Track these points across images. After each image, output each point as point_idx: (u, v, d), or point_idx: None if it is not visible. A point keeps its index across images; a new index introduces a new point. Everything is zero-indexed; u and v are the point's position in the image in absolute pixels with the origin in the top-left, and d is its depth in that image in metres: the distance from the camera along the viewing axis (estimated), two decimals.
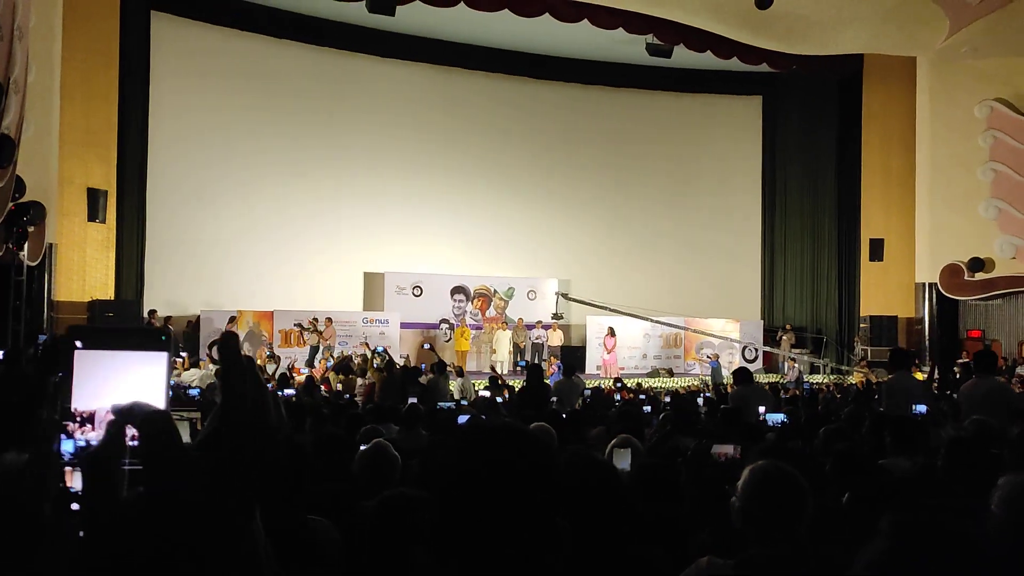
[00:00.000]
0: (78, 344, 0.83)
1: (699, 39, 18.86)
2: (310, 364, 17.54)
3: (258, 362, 15.69)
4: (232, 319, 17.70)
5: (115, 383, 0.79)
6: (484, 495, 1.25)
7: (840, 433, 4.55)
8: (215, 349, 0.85)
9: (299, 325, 18.33)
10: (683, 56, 20.20)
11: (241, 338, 17.34)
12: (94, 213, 16.42)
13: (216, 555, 0.70)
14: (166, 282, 18.00)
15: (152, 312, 16.80)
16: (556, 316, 20.57)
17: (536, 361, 18.49)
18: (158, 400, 0.78)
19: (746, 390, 8.84)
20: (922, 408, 6.28)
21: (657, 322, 20.44)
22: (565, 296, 20.66)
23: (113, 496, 0.73)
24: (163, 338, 0.84)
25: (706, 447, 4.05)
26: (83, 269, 16.36)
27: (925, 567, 1.26)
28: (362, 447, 4.05)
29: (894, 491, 3.51)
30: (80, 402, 0.82)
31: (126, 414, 0.75)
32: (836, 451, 3.70)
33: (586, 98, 23.13)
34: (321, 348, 17.93)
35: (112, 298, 16.69)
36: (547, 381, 11.74)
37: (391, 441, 5.62)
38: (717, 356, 19.90)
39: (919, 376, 17.14)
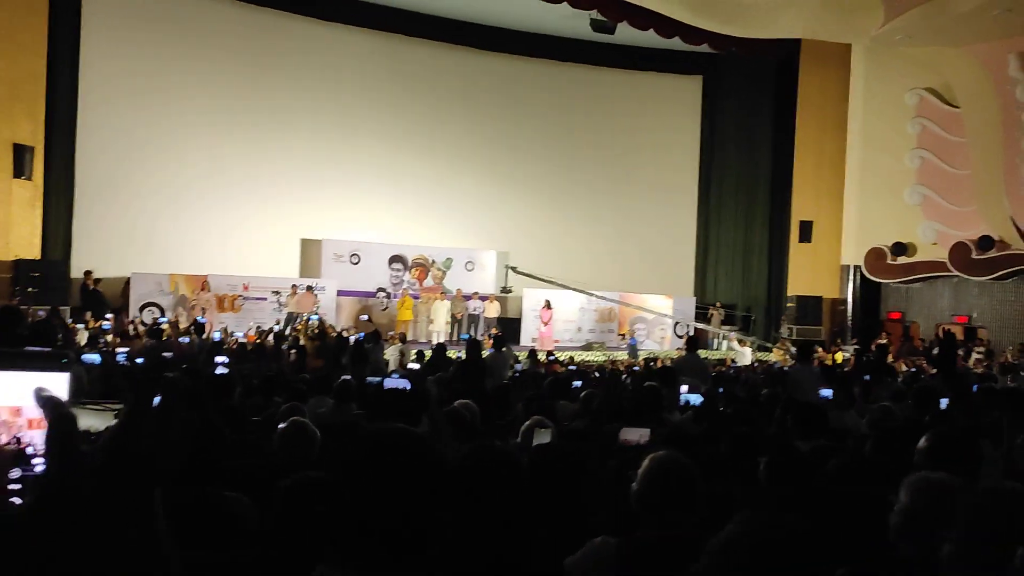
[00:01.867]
0: None
1: (642, 17, 19.00)
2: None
3: (182, 325, 15.54)
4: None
5: (15, 402, 0.88)
6: (370, 494, 1.39)
7: (738, 416, 4.77)
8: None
9: (276, 293, 18.18)
10: (627, 33, 20.35)
11: (172, 301, 17.16)
12: (20, 169, 15.93)
13: (112, 547, 0.82)
14: (95, 242, 17.53)
15: (88, 273, 16.45)
16: (505, 290, 20.64)
17: (473, 332, 18.75)
18: None
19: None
20: (828, 392, 6.58)
21: (602, 298, 20.71)
22: (514, 269, 20.69)
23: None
24: (63, 360, 0.94)
25: (612, 432, 4.21)
26: (7, 227, 15.90)
27: (760, 557, 1.43)
28: (280, 425, 4.11)
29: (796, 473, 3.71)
30: None
31: (44, 403, 0.85)
32: (732, 434, 3.90)
33: (529, 71, 23.12)
34: (303, 316, 17.76)
35: (38, 258, 16.28)
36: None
37: (320, 416, 5.72)
38: (634, 333, 20.31)
39: (839, 356, 17.80)
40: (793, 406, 5.03)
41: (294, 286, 18.42)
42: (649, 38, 20.58)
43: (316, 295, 18.59)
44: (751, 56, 21.50)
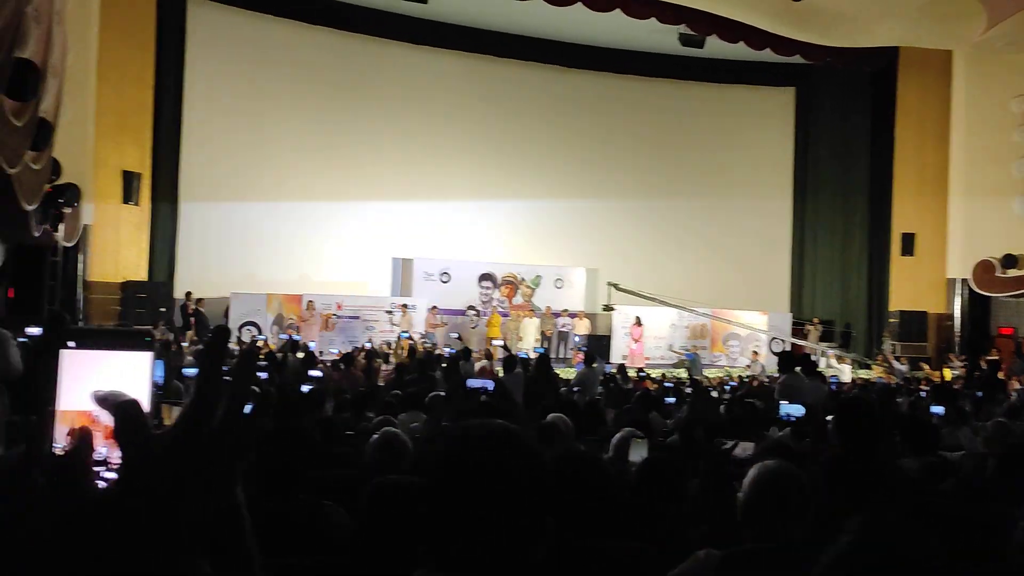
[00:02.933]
0: (71, 344, 0.88)
1: (732, 30, 18.74)
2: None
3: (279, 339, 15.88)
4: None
5: (101, 382, 0.85)
6: (471, 494, 1.33)
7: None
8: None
9: (389, 312, 18.67)
10: (716, 46, 20.10)
11: (270, 321, 17.60)
12: (128, 195, 16.69)
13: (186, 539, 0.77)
14: (198, 264, 18.23)
15: (188, 294, 17.06)
16: (607, 308, 20.52)
17: (563, 350, 18.70)
18: (142, 396, 0.84)
19: (793, 380, 8.72)
20: (939, 409, 6.26)
21: (705, 315, 20.42)
22: (616, 286, 20.46)
23: (79, 495, 0.79)
24: (147, 339, 0.91)
25: (711, 447, 4.08)
26: (116, 250, 16.66)
27: (881, 566, 1.32)
28: (374, 436, 4.13)
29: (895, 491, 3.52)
30: (66, 402, 0.88)
31: (103, 401, 0.82)
32: (826, 452, 3.73)
33: (618, 87, 23.06)
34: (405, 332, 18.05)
35: (145, 279, 17.02)
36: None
37: (413, 431, 5.75)
38: (695, 348, 19.89)
39: (948, 373, 17.06)
40: (902, 422, 4.80)
41: (403, 305, 18.72)
42: (739, 51, 20.25)
43: (438, 315, 18.94)
44: (846, 66, 20.94)
